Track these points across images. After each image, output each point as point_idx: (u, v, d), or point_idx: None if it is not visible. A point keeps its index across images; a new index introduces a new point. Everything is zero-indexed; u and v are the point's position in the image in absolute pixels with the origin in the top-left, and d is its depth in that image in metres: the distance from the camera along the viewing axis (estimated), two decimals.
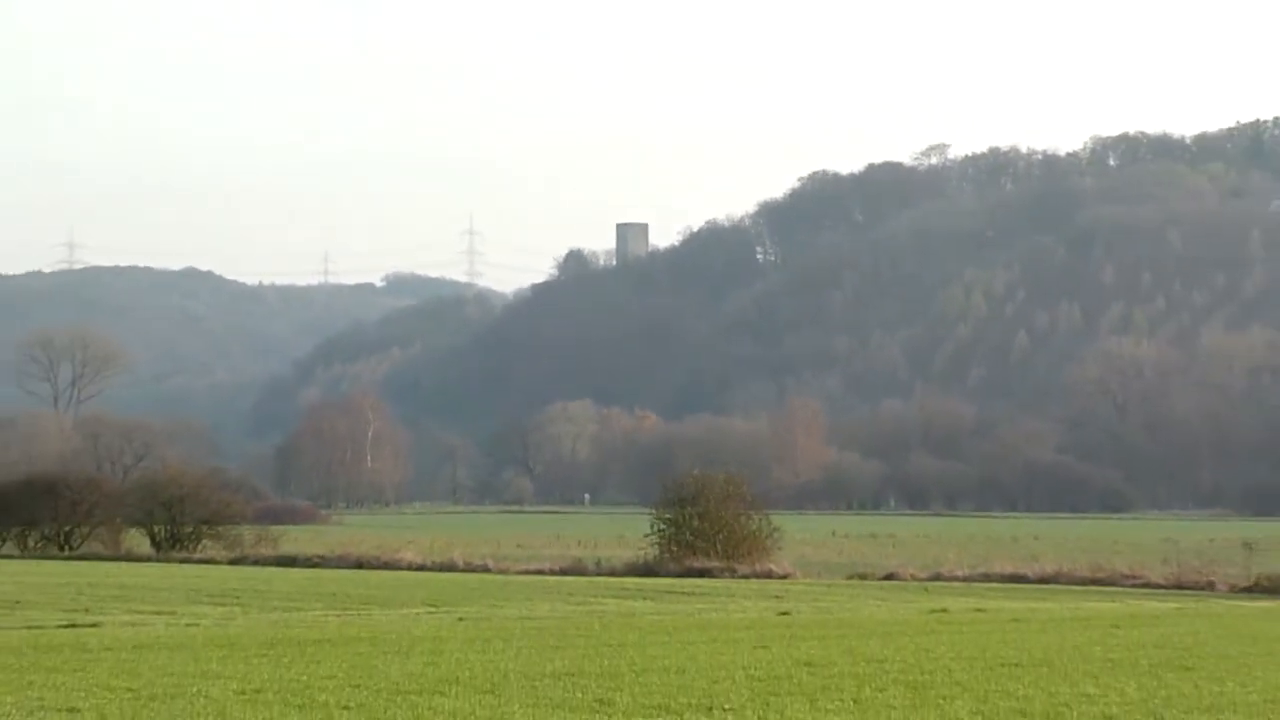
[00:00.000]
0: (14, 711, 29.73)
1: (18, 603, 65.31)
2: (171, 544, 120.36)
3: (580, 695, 33.56)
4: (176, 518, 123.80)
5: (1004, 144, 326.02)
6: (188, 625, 57.09)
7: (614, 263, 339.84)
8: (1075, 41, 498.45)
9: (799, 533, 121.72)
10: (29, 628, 54.17)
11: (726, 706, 31.71)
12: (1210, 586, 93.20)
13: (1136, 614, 70.08)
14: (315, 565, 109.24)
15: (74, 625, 55.38)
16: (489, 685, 35.68)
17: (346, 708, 30.94)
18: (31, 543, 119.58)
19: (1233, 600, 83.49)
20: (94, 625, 55.57)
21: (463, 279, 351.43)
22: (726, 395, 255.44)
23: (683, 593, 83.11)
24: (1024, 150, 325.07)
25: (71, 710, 30.25)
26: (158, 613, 62.49)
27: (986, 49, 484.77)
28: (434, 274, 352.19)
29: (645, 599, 77.32)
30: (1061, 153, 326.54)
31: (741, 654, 45.31)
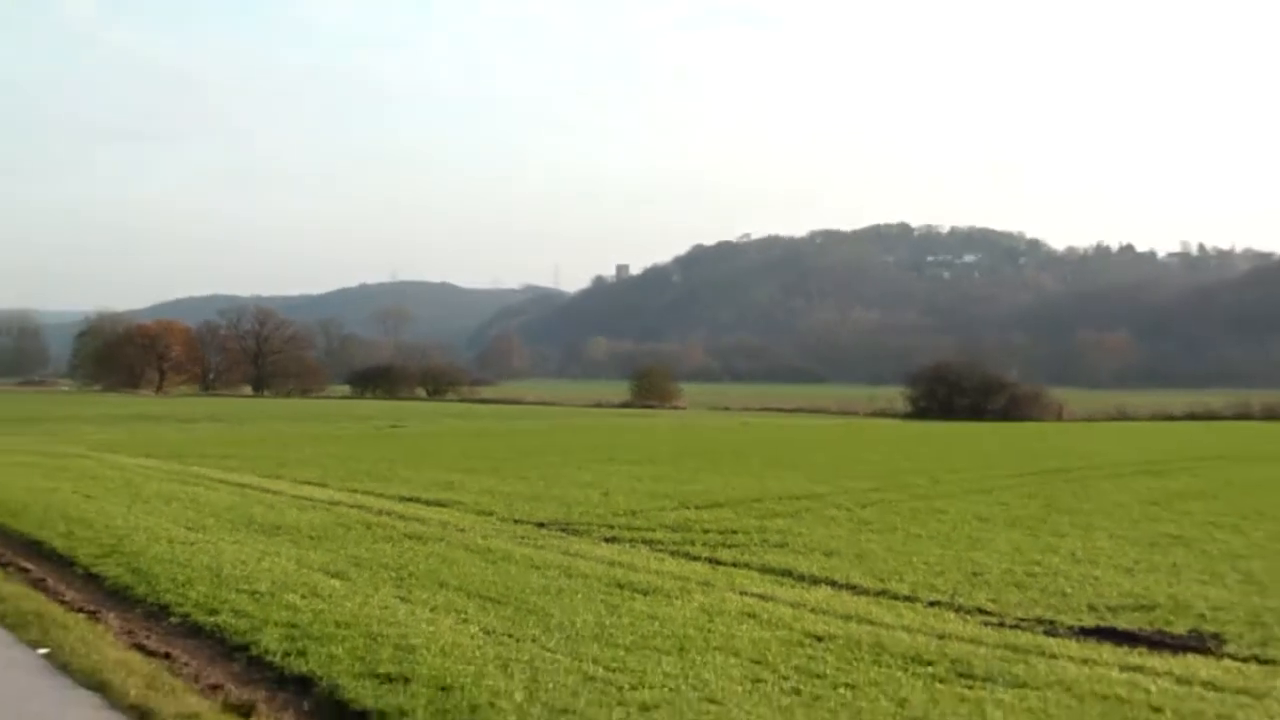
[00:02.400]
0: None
1: (371, 417, 64.50)
2: (433, 393, 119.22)
3: (600, 455, 33.45)
4: (436, 381, 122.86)
5: (773, 232, 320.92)
6: (445, 429, 56.52)
7: (615, 281, 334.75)
8: (807, 174, 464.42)
9: (689, 390, 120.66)
10: (375, 428, 53.54)
11: (658, 460, 31.59)
12: (856, 414, 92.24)
13: (830, 425, 69.75)
14: (491, 402, 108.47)
15: (396, 426, 54.69)
16: (562, 450, 35.57)
17: (505, 459, 30.81)
18: (377, 394, 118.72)
19: (879, 421, 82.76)
20: (404, 427, 54.92)
21: (552, 286, 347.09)
22: (660, 338, 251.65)
23: (642, 415, 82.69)
24: (782, 235, 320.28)
25: (392, 460, 29.98)
26: (447, 416, 61.80)
27: (766, 184, 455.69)
28: (540, 284, 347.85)
29: (626, 416, 76.99)
30: (797, 236, 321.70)
31: (665, 438, 45.15)
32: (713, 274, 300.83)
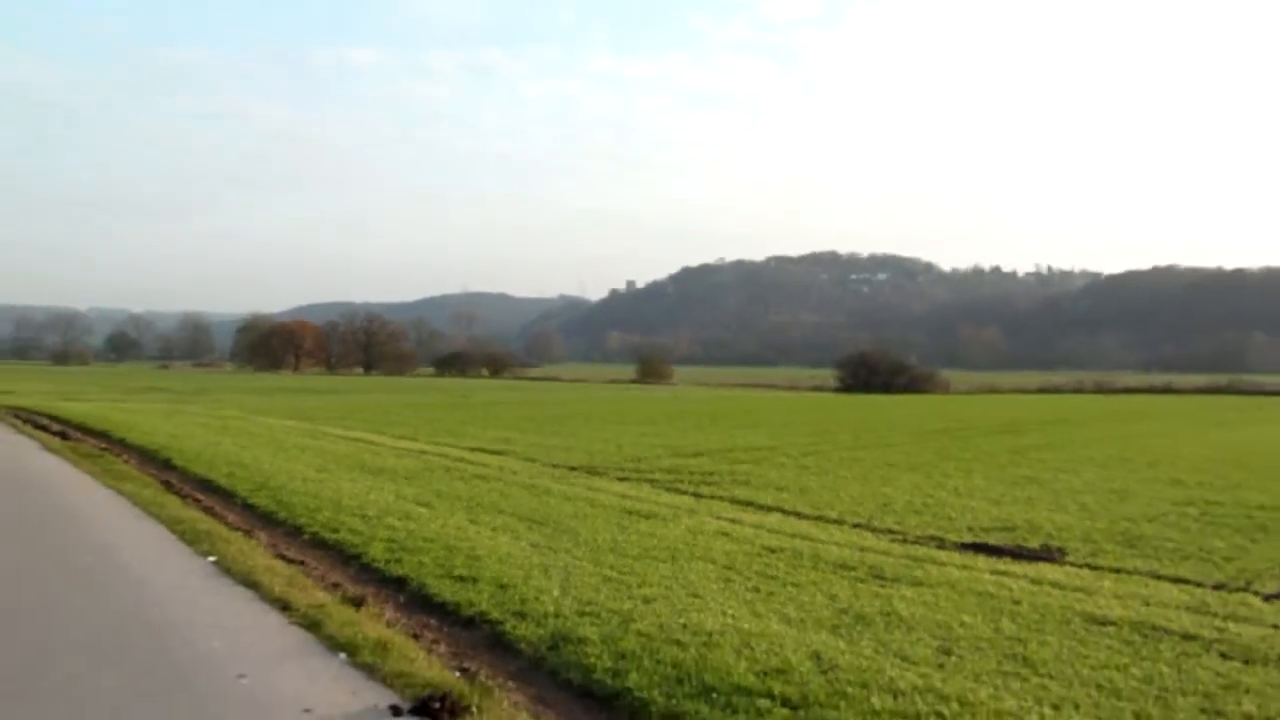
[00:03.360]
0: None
1: (448, 390, 63.81)
2: (494, 373, 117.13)
3: (614, 418, 33.29)
4: (496, 364, 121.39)
5: (740, 257, 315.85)
6: (502, 399, 56.19)
7: (625, 292, 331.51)
8: (764, 214, 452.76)
9: (680, 371, 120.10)
10: (451, 398, 53.06)
11: (656, 421, 31.51)
12: (799, 388, 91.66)
13: (780, 396, 69.48)
14: (535, 380, 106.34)
15: (467, 398, 54.22)
16: (586, 414, 35.35)
17: (545, 421, 30.70)
18: (453, 374, 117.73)
19: (816, 393, 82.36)
20: (472, 398, 54.36)
21: (580, 295, 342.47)
22: (658, 333, 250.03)
23: (645, 389, 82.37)
24: (746, 259, 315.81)
25: (464, 421, 29.81)
26: (505, 388, 61.45)
27: (736, 221, 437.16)
28: (571, 294, 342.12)
29: (633, 390, 76.71)
30: (758, 260, 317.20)
31: (662, 406, 44.91)
32: (697, 287, 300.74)
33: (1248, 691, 5.50)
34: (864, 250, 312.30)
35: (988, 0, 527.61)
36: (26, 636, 6.20)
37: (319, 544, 10.03)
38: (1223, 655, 6.22)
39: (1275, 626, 7.00)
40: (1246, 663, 6.08)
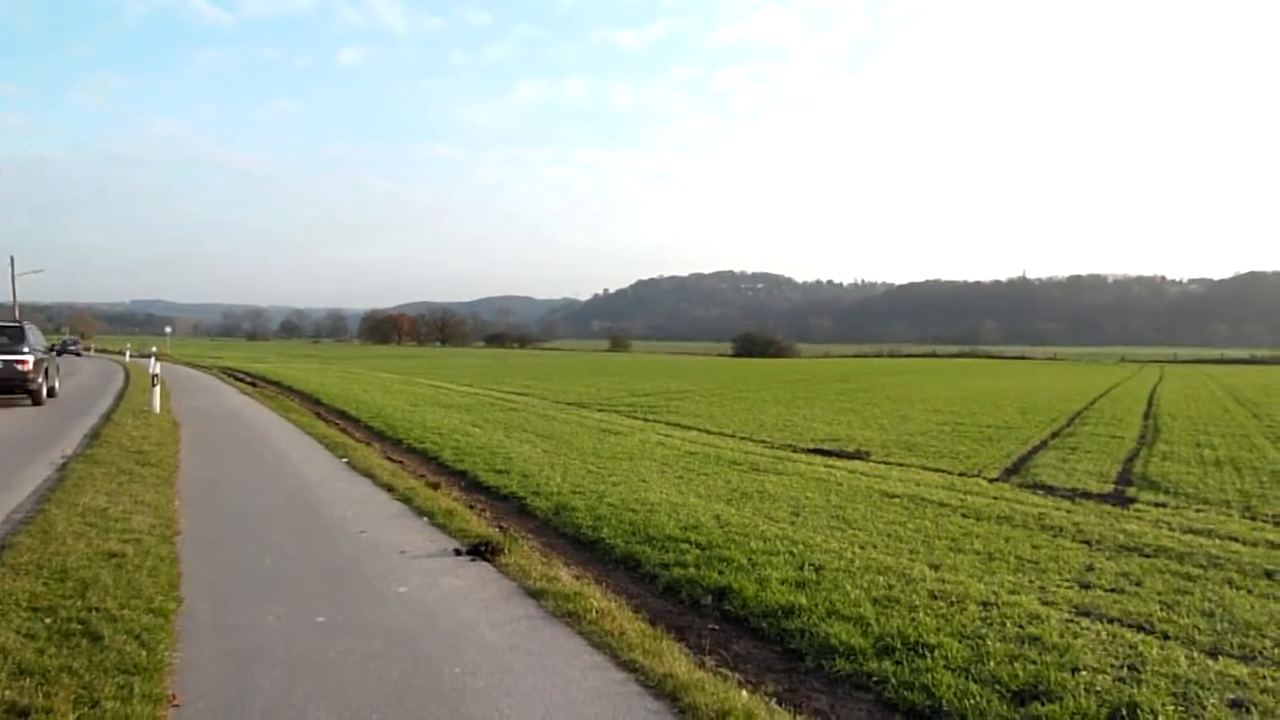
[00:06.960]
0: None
1: (492, 356, 62.33)
2: (521, 346, 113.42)
3: (595, 372, 32.93)
4: (523, 340, 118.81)
5: (673, 274, 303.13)
6: (528, 362, 55.30)
7: (603, 295, 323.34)
8: (688, 247, 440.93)
9: (636, 344, 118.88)
10: (494, 361, 52.32)
11: (621, 374, 31.23)
12: (709, 354, 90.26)
13: (697, 359, 69.29)
14: (546, 350, 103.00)
15: (506, 361, 53.29)
16: (577, 371, 34.96)
17: (552, 375, 30.38)
18: (495, 346, 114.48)
19: (720, 357, 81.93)
20: (509, 361, 53.65)
21: (575, 296, 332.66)
22: (623, 321, 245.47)
23: (614, 355, 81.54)
24: (678, 275, 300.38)
25: (502, 374, 29.42)
26: (528, 355, 60.54)
27: (670, 252, 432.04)
28: (570, 296, 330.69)
29: (607, 356, 75.98)
30: (685, 275, 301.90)
31: (624, 365, 44.18)
32: (647, 293, 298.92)
33: (978, 536, 5.62)
34: (750, 269, 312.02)
35: (822, 116, 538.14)
36: (236, 505, 6.08)
37: (412, 451, 9.82)
38: (963, 515, 6.34)
39: (995, 498, 7.17)
40: (977, 519, 6.19)
